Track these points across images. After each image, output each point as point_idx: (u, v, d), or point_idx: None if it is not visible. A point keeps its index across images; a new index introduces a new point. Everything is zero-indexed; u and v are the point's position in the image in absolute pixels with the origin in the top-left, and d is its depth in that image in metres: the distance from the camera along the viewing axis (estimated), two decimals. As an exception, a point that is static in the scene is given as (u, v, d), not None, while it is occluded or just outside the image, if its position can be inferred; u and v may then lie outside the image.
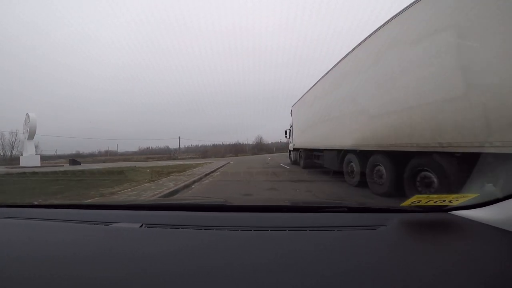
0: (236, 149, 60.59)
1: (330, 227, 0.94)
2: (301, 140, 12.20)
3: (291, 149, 15.84)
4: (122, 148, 64.54)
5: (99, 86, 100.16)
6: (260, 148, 66.33)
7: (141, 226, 1.01)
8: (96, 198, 5.30)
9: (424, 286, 0.58)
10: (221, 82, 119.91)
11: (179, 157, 41.60)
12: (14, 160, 33.76)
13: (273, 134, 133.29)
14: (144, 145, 48.85)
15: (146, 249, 0.81)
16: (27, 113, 23.87)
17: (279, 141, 75.84)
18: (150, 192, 6.08)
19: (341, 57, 7.10)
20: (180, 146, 54.01)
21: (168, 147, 57.96)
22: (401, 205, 1.03)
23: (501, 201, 0.86)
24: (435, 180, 3.89)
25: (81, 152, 52.88)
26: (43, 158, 27.89)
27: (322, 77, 8.85)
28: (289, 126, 15.90)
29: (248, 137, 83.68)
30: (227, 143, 61.90)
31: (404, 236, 0.86)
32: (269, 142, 73.63)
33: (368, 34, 5.58)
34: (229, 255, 0.75)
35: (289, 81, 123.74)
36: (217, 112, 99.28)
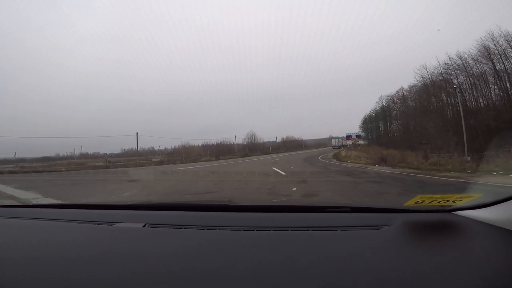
0: (220, 150, 43.94)
1: (333, 227, 0.92)
2: None
3: None
4: (107, 148, 54.67)
5: (82, 83, 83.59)
6: (252, 148, 51.00)
7: (144, 226, 1.00)
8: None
9: (428, 285, 0.58)
10: (212, 80, 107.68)
11: (115, 163, 24.12)
12: None
13: (268, 133, 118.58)
14: (128, 146, 37.06)
15: (149, 249, 0.81)
16: None
17: (275, 139, 62.71)
18: None
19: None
20: (166, 148, 45.56)
21: (153, 148, 48.46)
22: (405, 205, 1.03)
23: (505, 201, 0.84)
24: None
25: (60, 155, 43.47)
26: None
27: None
28: None
29: (238, 135, 68.32)
30: (219, 142, 49.13)
31: (407, 237, 0.84)
32: (264, 141, 58.62)
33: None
34: (231, 255, 0.74)
35: (284, 80, 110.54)
36: (205, 111, 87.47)
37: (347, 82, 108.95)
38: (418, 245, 0.78)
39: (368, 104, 79.03)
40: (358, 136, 40.86)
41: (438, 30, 52.05)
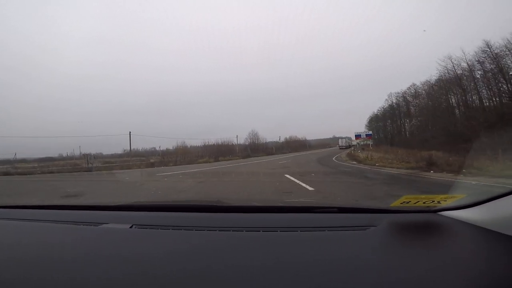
0: (221, 151, 40.80)
1: (321, 227, 0.92)
2: None
3: None
4: (111, 149, 53.74)
5: (77, 86, 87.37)
6: (255, 148, 47.77)
7: (131, 227, 0.98)
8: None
9: (413, 286, 0.58)
10: (216, 80, 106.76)
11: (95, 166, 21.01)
12: None
13: (270, 133, 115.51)
14: (128, 146, 35.23)
15: (136, 250, 0.79)
16: None
17: (278, 139, 59.68)
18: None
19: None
20: (168, 148, 44.48)
21: (154, 148, 47.35)
22: (391, 205, 1.03)
23: (488, 201, 0.84)
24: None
25: (64, 155, 42.52)
26: None
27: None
28: None
29: (240, 135, 65.68)
30: (219, 142, 46.35)
31: (393, 237, 0.85)
32: (267, 141, 55.44)
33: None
34: (220, 256, 0.74)
35: (287, 80, 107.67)
36: (210, 111, 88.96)
37: (351, 81, 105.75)
38: (404, 245, 0.79)
39: (374, 103, 76.03)
40: (368, 136, 37.30)
41: (424, 30, 49.39)
